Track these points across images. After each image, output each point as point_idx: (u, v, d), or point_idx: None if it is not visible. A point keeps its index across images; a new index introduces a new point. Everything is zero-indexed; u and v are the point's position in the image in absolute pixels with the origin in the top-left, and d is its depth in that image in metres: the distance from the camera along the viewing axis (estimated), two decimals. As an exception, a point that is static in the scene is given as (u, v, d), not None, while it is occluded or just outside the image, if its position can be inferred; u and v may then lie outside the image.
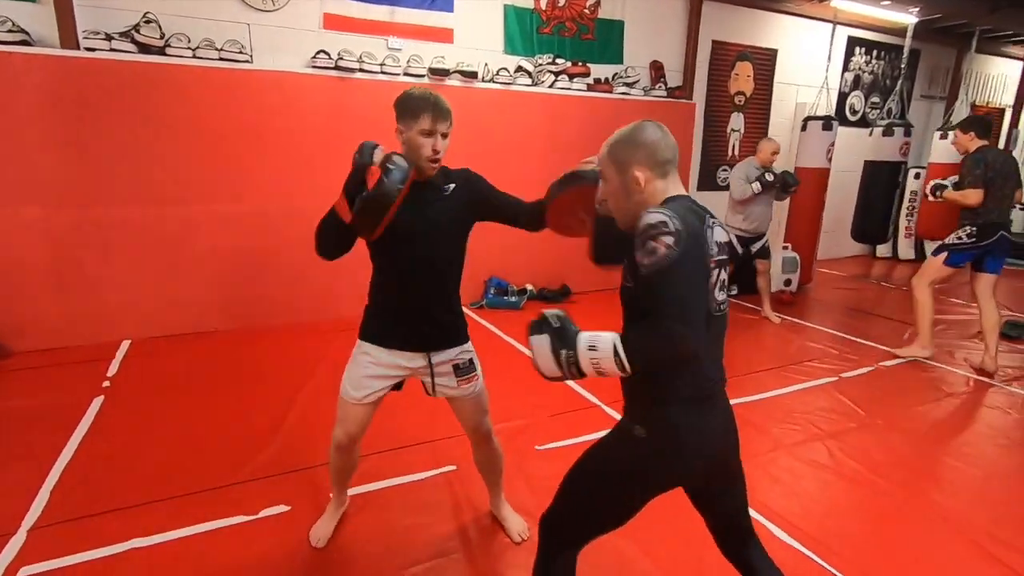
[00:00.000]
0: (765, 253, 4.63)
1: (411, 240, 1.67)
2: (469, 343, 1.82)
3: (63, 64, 3.33)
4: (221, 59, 3.70)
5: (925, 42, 7.25)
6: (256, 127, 3.84)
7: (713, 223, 1.21)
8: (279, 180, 3.97)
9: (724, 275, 1.24)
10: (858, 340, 4.22)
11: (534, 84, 4.76)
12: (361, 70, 4.09)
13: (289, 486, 2.22)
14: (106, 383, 3.10)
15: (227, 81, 3.71)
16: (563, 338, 1.15)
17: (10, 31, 3.21)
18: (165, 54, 3.56)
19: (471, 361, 1.80)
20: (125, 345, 3.64)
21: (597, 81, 5.08)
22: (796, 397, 3.23)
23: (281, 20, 4.04)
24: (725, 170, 6.32)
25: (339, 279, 4.30)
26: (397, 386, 1.84)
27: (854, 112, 7.15)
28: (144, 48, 3.50)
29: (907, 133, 6.63)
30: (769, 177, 4.34)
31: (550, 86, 4.80)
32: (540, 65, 4.80)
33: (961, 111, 7.27)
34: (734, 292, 5.32)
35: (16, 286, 3.43)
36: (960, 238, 3.58)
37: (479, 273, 4.79)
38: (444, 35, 4.57)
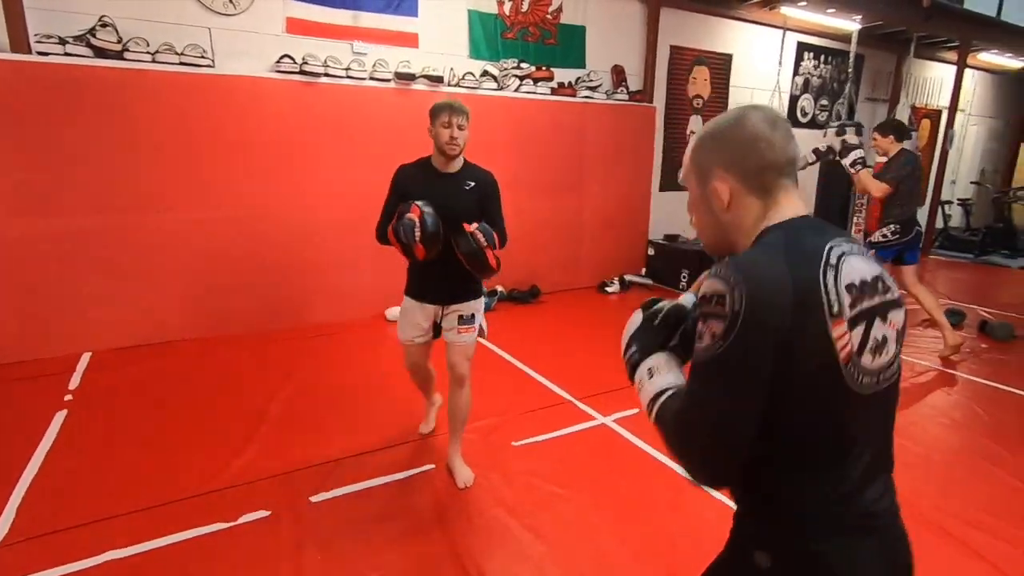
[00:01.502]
0: None
1: None
2: (476, 301, 2.30)
3: (13, 69, 3.22)
4: (182, 63, 3.64)
5: (868, 48, 7.64)
6: (220, 133, 3.79)
7: (843, 257, 0.79)
8: (245, 186, 3.92)
9: (883, 330, 0.81)
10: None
11: (500, 88, 4.83)
12: (326, 74, 4.08)
13: (268, 491, 2.22)
14: (68, 396, 3.01)
15: (189, 86, 3.64)
16: (644, 339, 0.97)
17: (-44, 34, 3.09)
18: (123, 59, 3.48)
19: (473, 315, 2.28)
20: (86, 357, 3.53)
21: (561, 85, 5.19)
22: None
23: (243, 24, 3.99)
24: (686, 171, 6.53)
25: (311, 286, 4.29)
26: (437, 332, 2.36)
27: (804, 114, 7.48)
28: (101, 52, 3.42)
29: (859, 132, 6.98)
30: None
31: (516, 90, 4.88)
32: (505, 69, 4.87)
33: (902, 112, 7.71)
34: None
35: (-33, 299, 3.30)
36: (885, 236, 3.87)
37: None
38: (409, 39, 4.60)
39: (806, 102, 7.46)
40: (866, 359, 0.78)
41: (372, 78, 4.28)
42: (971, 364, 3.86)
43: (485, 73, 4.79)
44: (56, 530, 2.00)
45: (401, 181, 2.26)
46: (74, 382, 3.20)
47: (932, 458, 2.64)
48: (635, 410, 3.00)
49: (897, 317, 0.83)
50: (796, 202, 0.87)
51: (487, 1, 4.88)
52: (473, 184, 2.19)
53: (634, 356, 0.96)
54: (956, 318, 4.72)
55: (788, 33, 6.68)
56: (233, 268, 3.98)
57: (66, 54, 3.34)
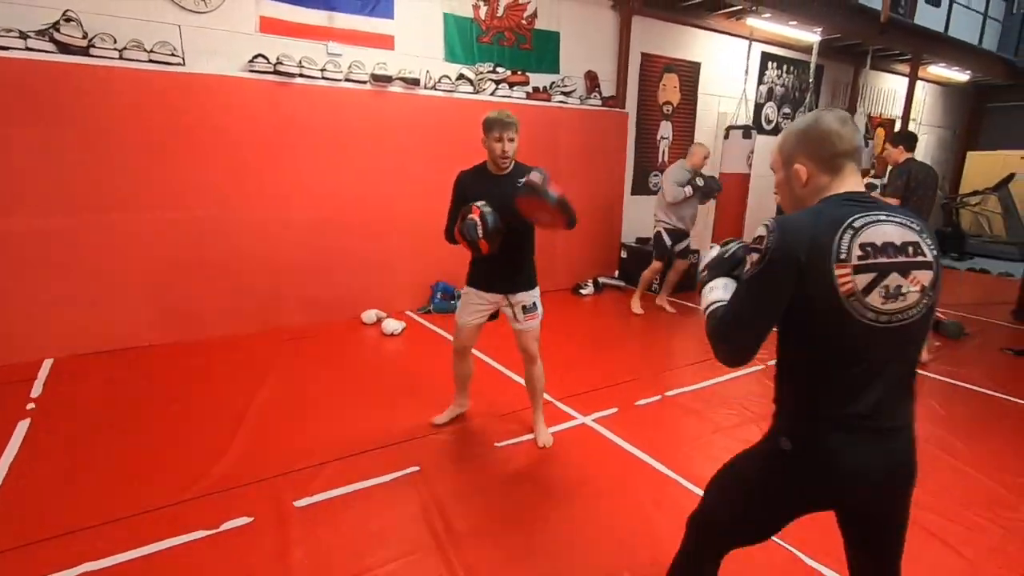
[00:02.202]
0: (685, 253, 5.03)
1: None
2: (535, 290, 2.53)
3: (-29, 63, 3.09)
4: (151, 61, 3.55)
5: (828, 59, 7.97)
6: (189, 132, 3.70)
7: (870, 224, 1.06)
8: (216, 187, 3.84)
9: (900, 281, 1.06)
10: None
11: (476, 92, 4.85)
12: (301, 75, 4.03)
13: (250, 497, 2.18)
14: (31, 405, 2.89)
15: (158, 84, 3.55)
16: (714, 267, 1.28)
17: (-93, 26, 2.94)
18: (89, 55, 3.37)
19: (534, 303, 2.52)
20: (47, 364, 3.40)
21: (536, 90, 5.24)
22: (730, 384, 3.50)
23: (214, 22, 3.91)
24: (656, 175, 6.67)
25: (284, 288, 4.22)
26: (493, 316, 2.61)
27: (768, 122, 7.75)
28: (65, 48, 3.30)
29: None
30: (700, 182, 4.66)
31: (491, 94, 4.91)
32: (481, 73, 4.90)
33: (859, 121, 8.04)
34: (622, 284, 5.62)
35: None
36: None
37: (426, 279, 4.82)
38: (385, 41, 4.58)
39: (770, 110, 7.72)
40: (874, 299, 1.05)
41: (348, 79, 4.25)
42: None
43: (461, 76, 4.80)
44: (25, 543, 1.92)
45: (461, 186, 2.49)
46: (36, 390, 3.07)
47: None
48: (614, 409, 3.06)
49: (922, 275, 1.08)
50: (856, 180, 1.15)
51: (462, 5, 4.91)
52: (523, 181, 2.27)
53: (705, 278, 1.28)
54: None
55: (754, 44, 6.91)
56: (203, 271, 3.88)
57: (27, 49, 3.22)
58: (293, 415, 2.88)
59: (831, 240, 1.05)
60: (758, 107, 7.58)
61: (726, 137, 5.99)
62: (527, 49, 5.34)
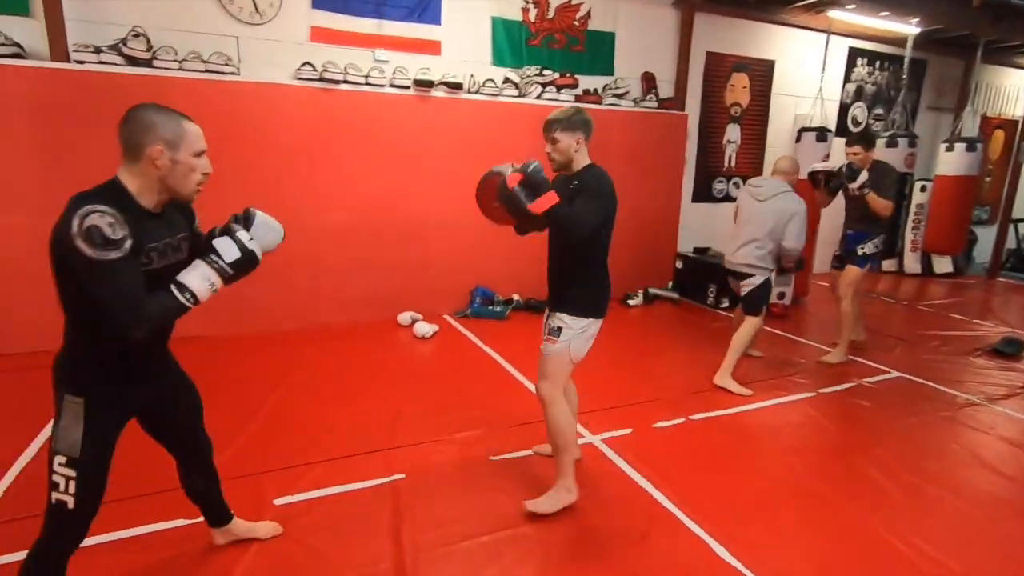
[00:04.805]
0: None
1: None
2: (567, 316, 2.12)
3: (53, 76, 3.45)
4: (207, 71, 3.80)
5: (932, 52, 7.13)
6: (240, 137, 3.92)
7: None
8: (262, 189, 4.04)
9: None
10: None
11: (521, 96, 4.79)
12: (346, 81, 4.16)
13: (237, 491, 2.21)
14: (82, 386, 3.16)
15: (212, 92, 3.79)
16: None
17: (2, 44, 3.33)
18: (152, 66, 3.66)
19: (559, 328, 2.13)
20: (108, 349, 3.71)
21: (586, 92, 5.09)
22: (768, 411, 3.17)
23: (269, 33, 4.14)
24: (721, 182, 6.27)
25: (323, 288, 4.36)
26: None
27: (857, 124, 7.05)
28: (132, 61, 3.61)
29: (912, 144, 6.51)
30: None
31: (537, 97, 4.82)
32: (527, 77, 4.82)
33: (969, 122, 7.12)
34: (725, 304, 5.25)
35: (3, 290, 3.53)
36: (877, 247, 3.86)
37: (466, 283, 4.81)
38: (431, 47, 4.63)
39: (858, 110, 7.02)
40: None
41: (392, 85, 4.33)
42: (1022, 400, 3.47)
43: (507, 80, 4.76)
44: (36, 514, 2.07)
45: None
46: (91, 372, 3.36)
47: (973, 514, 2.37)
48: (628, 430, 2.86)
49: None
50: None
51: (511, 8, 4.86)
52: (576, 183, 2.11)
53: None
54: (1014, 347, 4.28)
55: (840, 38, 6.32)
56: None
57: (100, 62, 3.55)
58: (303, 413, 2.94)
59: None
60: (844, 108, 6.91)
61: (798, 140, 5.50)
62: (579, 51, 5.20)
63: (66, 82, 3.48)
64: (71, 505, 1.41)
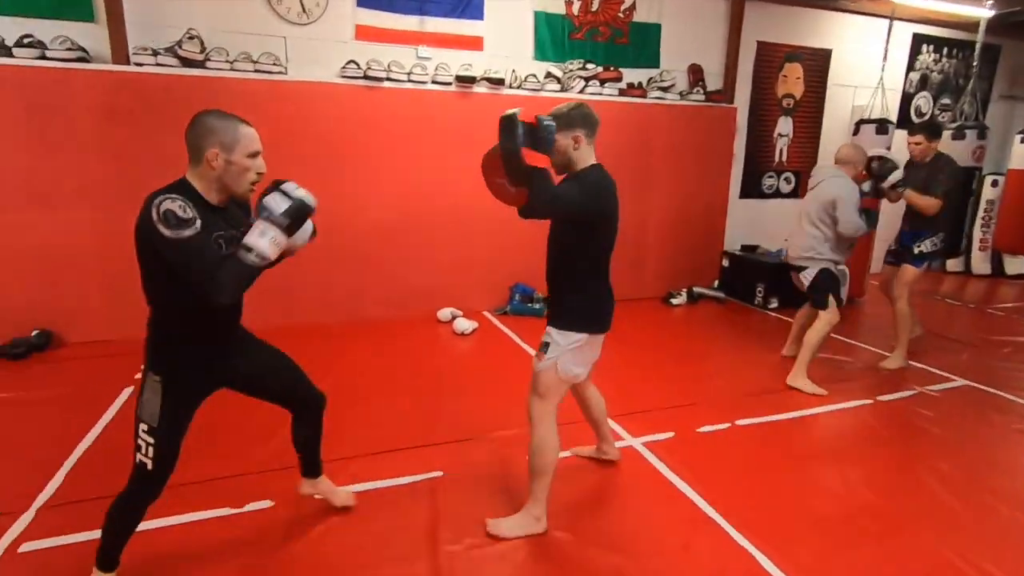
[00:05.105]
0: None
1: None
2: (555, 330, 1.96)
3: (114, 79, 3.61)
4: (256, 71, 3.90)
5: (1006, 38, 6.64)
6: (287, 135, 4.00)
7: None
8: (308, 185, 4.09)
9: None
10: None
11: (563, 90, 4.72)
12: (388, 78, 4.20)
13: (278, 482, 2.28)
14: (138, 375, 3.29)
15: (260, 91, 3.89)
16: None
17: (69, 49, 3.51)
18: (205, 67, 3.79)
19: (547, 344, 1.96)
20: (163, 340, 3.87)
21: (630, 86, 4.97)
22: (822, 418, 3.01)
23: (315, 32, 4.21)
24: (771, 176, 6.02)
25: (366, 282, 4.42)
26: None
27: (921, 115, 6.64)
28: (186, 62, 3.74)
29: (981, 136, 6.08)
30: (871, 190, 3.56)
31: (580, 91, 4.74)
32: (570, 71, 4.75)
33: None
34: (774, 305, 5.05)
35: (71, 283, 3.73)
36: (936, 245, 3.61)
37: (505, 279, 4.79)
38: (474, 43, 4.62)
39: (923, 100, 6.61)
40: None
41: (434, 82, 4.35)
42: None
43: (549, 75, 4.70)
44: (91, 498, 2.17)
45: None
46: (147, 362, 3.50)
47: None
48: (670, 434, 2.77)
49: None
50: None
51: (554, 2, 4.79)
52: (569, 179, 1.95)
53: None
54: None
55: (904, 24, 5.96)
56: (296, 262, 4.17)
57: (157, 64, 3.69)
58: (344, 406, 2.97)
59: None
60: (907, 97, 6.52)
61: (855, 132, 5.21)
62: (623, 43, 5.08)
63: (125, 83, 3.63)
64: (150, 467, 1.60)
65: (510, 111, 1.76)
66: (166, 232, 1.41)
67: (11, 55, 3.43)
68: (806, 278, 3.37)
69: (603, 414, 2.41)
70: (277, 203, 1.56)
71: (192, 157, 1.56)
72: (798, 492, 2.33)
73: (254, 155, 1.63)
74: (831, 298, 3.32)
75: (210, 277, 1.45)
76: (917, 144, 3.56)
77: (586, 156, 1.95)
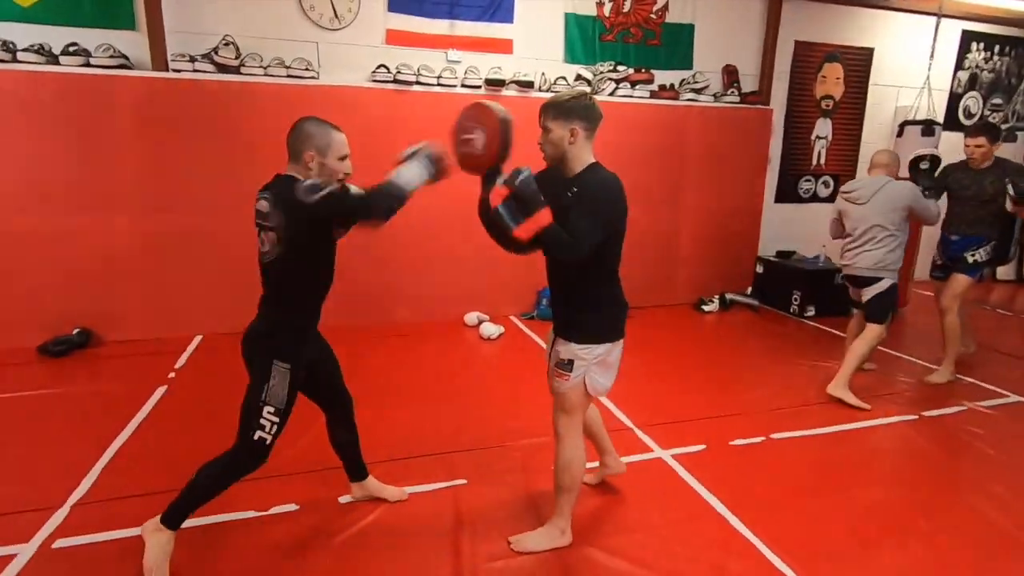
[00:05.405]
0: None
1: None
2: (576, 345, 1.82)
3: (153, 85, 3.71)
4: (289, 76, 3.95)
5: (1063, 34, 6.30)
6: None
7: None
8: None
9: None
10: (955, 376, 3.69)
11: (594, 92, 4.64)
12: (418, 82, 4.21)
13: (302, 486, 2.28)
14: (172, 374, 3.37)
15: (292, 96, 3.94)
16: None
17: (111, 56, 3.61)
18: (240, 72, 3.85)
19: (570, 362, 1.82)
20: (196, 340, 3.95)
21: (662, 88, 4.88)
22: (860, 434, 2.88)
23: (347, 37, 4.25)
24: (808, 180, 5.84)
25: (394, 285, 4.44)
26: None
27: (970, 115, 6.34)
28: (222, 68, 3.82)
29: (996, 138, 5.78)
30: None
31: (610, 94, 4.67)
32: (600, 73, 4.68)
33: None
34: (811, 313, 4.88)
35: (109, 284, 3.84)
36: (990, 253, 3.47)
37: (532, 284, 4.74)
38: (504, 46, 4.60)
39: (971, 101, 6.32)
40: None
41: (464, 85, 4.34)
42: None
43: (579, 77, 4.64)
44: (123, 496, 2.21)
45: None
46: (181, 361, 3.58)
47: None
48: (701, 446, 2.68)
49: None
50: None
51: (585, 3, 4.74)
52: (576, 190, 1.77)
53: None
54: None
55: (952, 21, 5.71)
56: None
57: (195, 70, 3.77)
58: (368, 410, 2.95)
59: None
60: (955, 98, 6.24)
61: (899, 134, 5.00)
62: (655, 45, 4.99)
63: (164, 90, 3.72)
64: (268, 441, 1.77)
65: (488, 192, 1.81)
66: (312, 197, 1.62)
67: (58, 63, 3.56)
68: (875, 290, 3.24)
69: (601, 426, 2.28)
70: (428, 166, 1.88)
71: (292, 157, 1.80)
72: (839, 513, 2.22)
73: (343, 158, 1.85)
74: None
75: (365, 204, 1.73)
76: (979, 147, 3.37)
77: (583, 152, 1.80)
